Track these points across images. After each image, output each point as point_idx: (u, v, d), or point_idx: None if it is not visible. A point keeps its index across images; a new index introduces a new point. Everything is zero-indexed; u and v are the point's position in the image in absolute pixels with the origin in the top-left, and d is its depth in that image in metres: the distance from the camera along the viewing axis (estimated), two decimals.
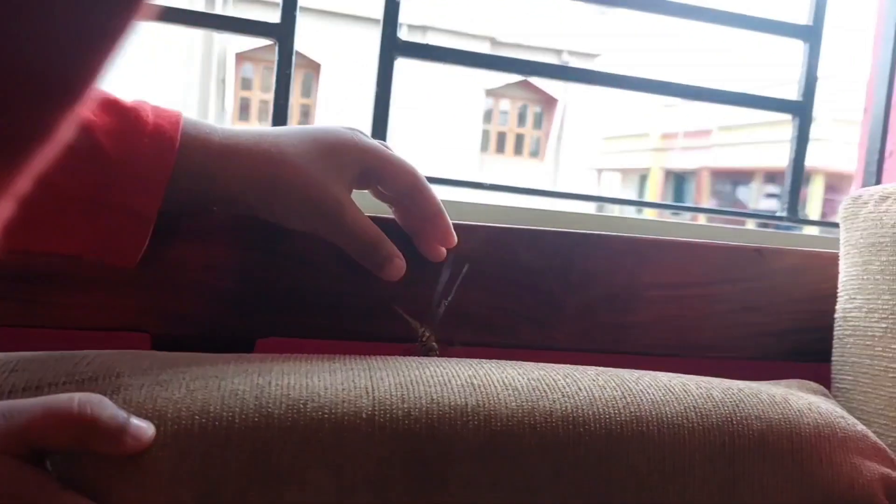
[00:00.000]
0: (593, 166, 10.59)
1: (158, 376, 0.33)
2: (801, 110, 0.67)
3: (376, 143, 0.41)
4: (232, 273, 0.43)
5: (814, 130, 0.68)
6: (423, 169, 0.43)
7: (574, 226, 0.54)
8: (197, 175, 0.37)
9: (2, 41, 0.13)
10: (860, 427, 0.42)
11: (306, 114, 8.57)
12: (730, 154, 8.90)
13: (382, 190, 0.43)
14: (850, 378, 0.50)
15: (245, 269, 0.43)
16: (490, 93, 9.68)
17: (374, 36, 0.57)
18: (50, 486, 0.28)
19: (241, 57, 8.25)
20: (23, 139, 0.15)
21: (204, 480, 0.30)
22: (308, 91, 8.53)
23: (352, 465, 0.32)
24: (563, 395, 0.36)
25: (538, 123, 10.09)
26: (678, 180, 10.13)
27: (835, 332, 0.52)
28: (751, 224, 0.78)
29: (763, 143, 7.92)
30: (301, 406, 0.32)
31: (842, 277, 0.52)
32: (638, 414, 0.36)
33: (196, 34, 6.78)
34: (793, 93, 0.68)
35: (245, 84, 8.65)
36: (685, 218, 0.81)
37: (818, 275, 0.54)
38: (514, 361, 0.40)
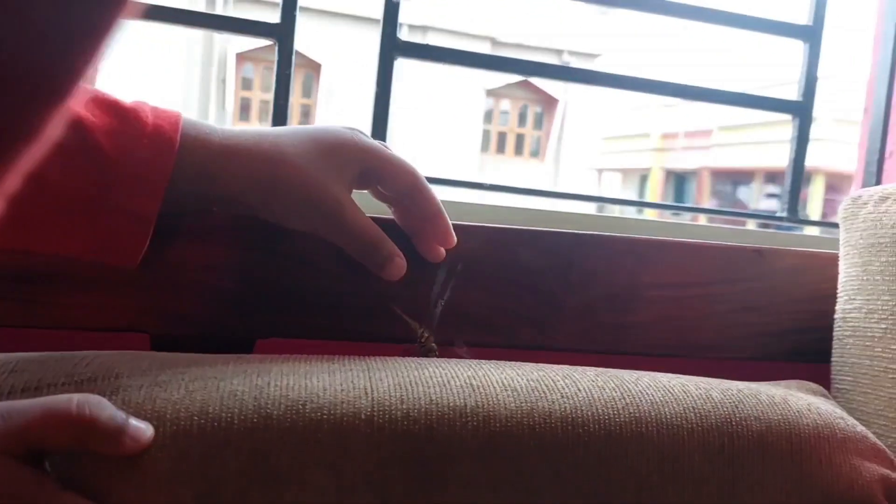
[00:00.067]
0: (594, 166, 10.59)
1: (157, 377, 0.33)
2: (801, 110, 0.67)
3: (376, 143, 0.41)
4: (231, 273, 0.43)
5: (814, 130, 0.68)
6: (424, 169, 0.43)
7: (574, 226, 0.54)
8: (197, 175, 0.37)
9: None
10: (860, 428, 0.42)
11: (307, 114, 8.57)
12: (730, 154, 8.90)
13: (382, 190, 0.43)
14: (849, 379, 0.50)
15: (245, 270, 0.43)
16: (490, 93, 9.68)
17: (375, 36, 0.57)
18: (49, 487, 0.28)
19: (241, 57, 8.25)
20: (9, 137, 0.15)
21: (203, 481, 0.30)
22: (308, 91, 8.53)
23: (351, 465, 0.32)
24: (563, 396, 0.36)
25: (539, 123, 10.09)
26: (679, 180, 10.13)
27: (834, 333, 0.52)
28: (751, 224, 0.78)
29: (763, 143, 7.92)
30: (300, 407, 0.32)
31: (841, 278, 0.52)
32: (637, 415, 0.36)
33: (196, 34, 6.78)
34: (793, 93, 0.68)
35: (245, 84, 8.66)
36: (685, 218, 0.81)
37: (818, 275, 0.54)
38: (513, 362, 0.40)
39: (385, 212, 0.44)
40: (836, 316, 0.52)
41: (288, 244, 0.43)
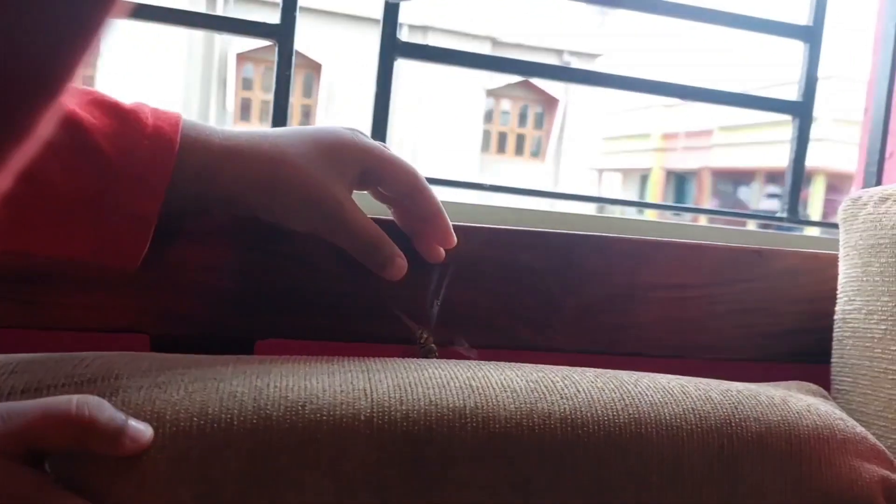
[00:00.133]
0: (594, 166, 10.59)
1: (157, 378, 0.33)
2: (801, 111, 0.67)
3: (376, 143, 0.41)
4: (231, 274, 0.43)
5: (815, 130, 0.67)
6: (424, 170, 0.43)
7: (575, 227, 0.54)
8: (197, 176, 0.37)
9: None
10: (859, 429, 0.42)
11: (307, 114, 8.58)
12: (731, 154, 8.89)
13: (382, 190, 0.43)
14: (849, 380, 0.50)
15: (244, 270, 0.43)
16: (491, 93, 9.68)
17: (375, 36, 0.57)
18: (47, 488, 0.28)
19: (241, 57, 8.26)
20: (1, 136, 0.15)
21: (202, 482, 0.30)
22: (309, 91, 8.53)
23: (350, 466, 0.32)
24: (562, 397, 0.36)
25: (539, 124, 10.09)
26: (679, 181, 10.12)
27: (834, 334, 0.52)
28: (751, 225, 0.77)
29: (764, 143, 7.92)
30: (299, 408, 0.32)
31: (841, 279, 0.52)
32: (637, 416, 0.36)
33: (197, 35, 6.79)
34: (793, 93, 0.68)
35: (246, 84, 8.66)
36: (686, 219, 0.81)
37: (817, 276, 0.54)
38: (512, 363, 0.40)
39: (385, 213, 0.44)
40: (835, 317, 0.52)
41: (288, 245, 0.43)
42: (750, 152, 8.45)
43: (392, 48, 0.57)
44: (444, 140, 8.33)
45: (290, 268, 0.44)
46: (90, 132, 0.34)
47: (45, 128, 0.16)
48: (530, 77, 0.73)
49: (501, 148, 10.09)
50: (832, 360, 0.52)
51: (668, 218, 0.74)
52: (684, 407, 0.37)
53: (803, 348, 0.54)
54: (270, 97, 0.55)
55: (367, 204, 0.42)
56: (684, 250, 0.51)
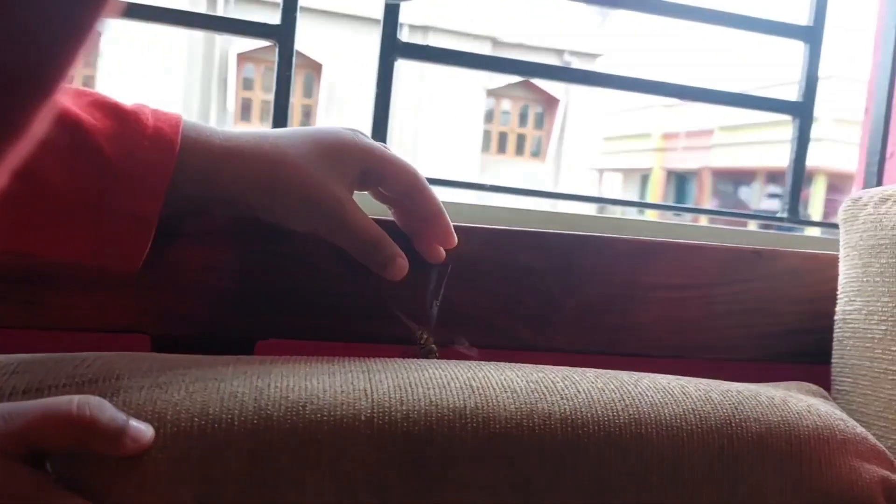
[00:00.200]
0: (595, 166, 10.59)
1: (158, 378, 0.33)
2: (801, 111, 0.67)
3: (377, 143, 0.41)
4: (232, 274, 0.43)
5: (816, 130, 0.67)
6: (424, 170, 0.43)
7: (575, 227, 0.54)
8: (198, 177, 0.37)
9: None
10: (860, 429, 0.42)
11: (308, 114, 8.58)
12: (731, 154, 8.89)
13: (383, 191, 0.43)
14: (849, 380, 0.50)
15: (245, 271, 0.43)
16: (491, 93, 9.68)
17: (375, 36, 0.57)
18: (48, 487, 0.28)
19: (242, 57, 8.26)
20: None
21: (203, 482, 0.30)
22: (309, 91, 8.53)
23: (351, 466, 0.32)
24: (562, 398, 0.36)
25: (539, 123, 10.09)
26: (680, 181, 10.12)
27: (834, 335, 0.52)
28: (752, 225, 0.77)
29: (765, 143, 7.92)
30: (300, 408, 0.32)
31: (841, 279, 0.52)
32: (637, 416, 0.36)
33: (197, 35, 6.79)
34: (794, 93, 0.68)
35: (247, 84, 8.66)
36: (686, 219, 0.81)
37: (818, 276, 0.54)
38: (513, 363, 0.40)
39: (385, 213, 0.44)
40: (836, 317, 0.52)
41: (288, 245, 0.43)
42: (750, 152, 8.45)
43: (392, 48, 0.57)
44: (445, 140, 8.34)
45: (291, 268, 0.44)
46: (91, 133, 0.34)
47: (40, 126, 0.16)
48: (531, 77, 0.73)
49: (502, 148, 10.09)
50: (832, 360, 0.52)
51: (669, 218, 0.74)
52: (684, 407, 0.37)
53: (803, 349, 0.54)
54: (271, 97, 0.55)
55: (368, 204, 0.42)
56: (685, 251, 0.51)
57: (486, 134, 9.66)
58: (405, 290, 0.43)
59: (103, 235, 0.36)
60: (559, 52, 9.13)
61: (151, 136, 0.35)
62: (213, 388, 0.33)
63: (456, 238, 0.43)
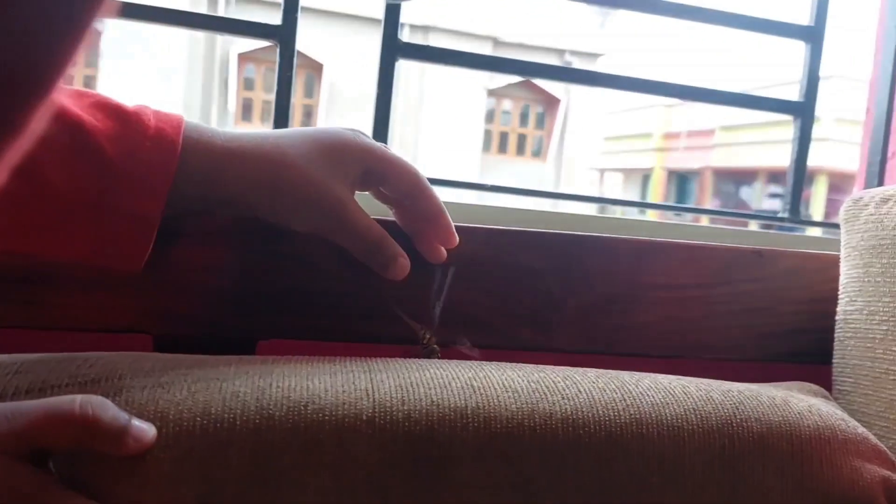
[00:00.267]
0: (596, 166, 10.59)
1: (160, 378, 0.33)
2: (802, 111, 0.67)
3: (378, 144, 0.42)
4: (233, 274, 0.43)
5: (817, 130, 0.67)
6: (425, 170, 0.43)
7: (576, 227, 0.54)
8: (199, 178, 0.37)
9: None
10: (861, 429, 0.42)
11: (309, 114, 8.58)
12: (732, 154, 8.89)
13: (384, 191, 0.43)
14: (850, 380, 0.50)
15: (246, 271, 0.43)
16: (492, 93, 9.68)
17: (376, 36, 0.57)
18: (51, 487, 0.28)
19: (243, 58, 8.26)
20: None
21: (205, 482, 0.30)
22: (310, 91, 8.54)
23: (352, 466, 0.32)
24: (563, 398, 0.36)
25: (540, 123, 10.09)
26: (681, 180, 10.12)
27: (835, 335, 0.52)
28: (753, 225, 0.77)
29: (766, 143, 7.91)
30: (302, 408, 0.32)
31: (842, 279, 0.52)
32: (638, 416, 0.36)
33: (198, 35, 6.79)
34: (795, 93, 0.68)
35: (248, 84, 8.67)
36: (687, 219, 0.81)
37: (818, 277, 0.54)
38: (514, 363, 0.40)
39: (386, 214, 0.44)
40: (837, 317, 0.52)
41: (289, 245, 0.44)
42: (751, 152, 8.44)
43: (393, 49, 0.57)
44: (446, 140, 8.33)
45: (292, 268, 0.44)
46: (92, 134, 0.34)
47: (38, 124, 0.16)
48: (531, 77, 0.73)
49: (503, 148, 10.09)
50: (833, 360, 0.52)
51: (670, 218, 0.74)
52: (685, 407, 0.37)
53: (804, 349, 0.54)
54: (272, 97, 0.55)
55: (369, 204, 0.42)
56: (686, 251, 0.51)
57: (487, 134, 9.66)
58: (407, 290, 0.43)
59: (104, 236, 0.36)
60: (560, 52, 9.13)
61: (153, 136, 0.36)
62: (215, 387, 0.33)
63: (457, 238, 0.43)
